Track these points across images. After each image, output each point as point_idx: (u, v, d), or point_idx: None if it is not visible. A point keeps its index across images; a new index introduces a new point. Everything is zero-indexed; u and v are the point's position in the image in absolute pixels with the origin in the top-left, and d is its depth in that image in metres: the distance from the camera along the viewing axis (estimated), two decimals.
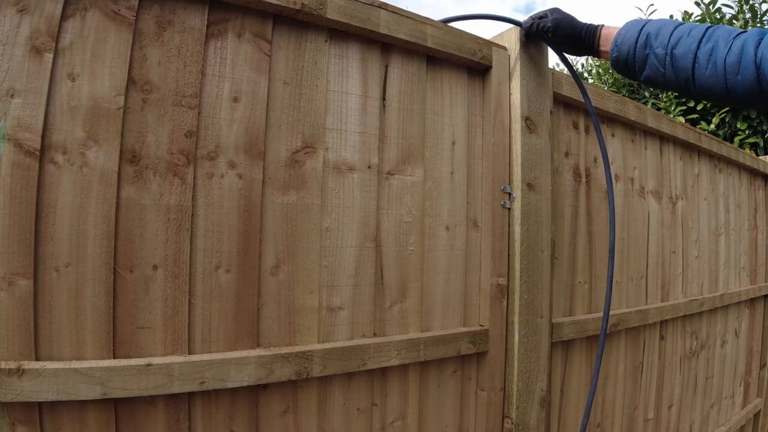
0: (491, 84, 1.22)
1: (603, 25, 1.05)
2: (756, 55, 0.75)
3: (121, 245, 0.80)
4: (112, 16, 0.80)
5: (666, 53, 0.86)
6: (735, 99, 0.80)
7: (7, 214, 0.72)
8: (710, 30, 0.83)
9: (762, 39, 0.76)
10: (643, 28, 0.92)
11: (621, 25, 0.99)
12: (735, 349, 2.36)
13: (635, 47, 0.91)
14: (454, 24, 1.23)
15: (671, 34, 0.87)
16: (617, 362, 1.60)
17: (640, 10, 4.59)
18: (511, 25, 1.25)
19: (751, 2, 3.97)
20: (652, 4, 4.44)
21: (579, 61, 5.56)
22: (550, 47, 1.22)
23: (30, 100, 0.73)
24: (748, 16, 3.95)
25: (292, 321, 0.95)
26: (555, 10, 1.12)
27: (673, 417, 1.90)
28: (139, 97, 0.82)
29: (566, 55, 1.24)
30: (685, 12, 4.35)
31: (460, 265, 1.19)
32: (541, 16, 1.14)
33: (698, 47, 0.82)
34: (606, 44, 1.02)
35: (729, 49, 0.79)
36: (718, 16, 4.10)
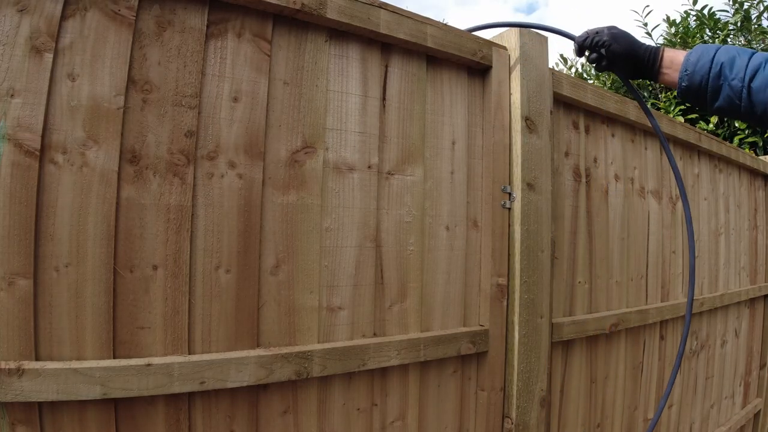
0: (491, 84, 1.22)
1: (664, 47, 1.01)
2: None
3: (121, 245, 0.80)
4: (112, 16, 0.80)
5: (743, 86, 0.85)
6: None
7: (7, 214, 0.72)
8: None
9: None
10: (714, 57, 0.89)
11: (678, 48, 0.95)
12: (735, 349, 2.36)
13: (708, 77, 0.89)
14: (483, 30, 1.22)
15: (747, 65, 0.85)
16: (617, 362, 1.60)
17: (637, 12, 4.58)
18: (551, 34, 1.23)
19: (746, 6, 3.97)
20: (647, 5, 4.41)
21: (579, 61, 5.48)
22: (605, 66, 1.09)
23: (30, 100, 0.73)
24: (742, 14, 3.95)
25: (292, 321, 0.95)
26: (612, 27, 1.05)
27: (673, 417, 1.90)
28: (139, 97, 0.82)
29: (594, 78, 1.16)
30: (686, 12, 4.35)
31: (460, 265, 1.19)
32: (597, 31, 1.07)
33: None
34: (670, 69, 0.97)
35: None
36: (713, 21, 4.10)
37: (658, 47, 1.01)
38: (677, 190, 1.91)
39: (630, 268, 1.65)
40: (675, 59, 0.97)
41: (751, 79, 0.84)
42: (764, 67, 0.84)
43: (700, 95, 0.92)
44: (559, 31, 1.21)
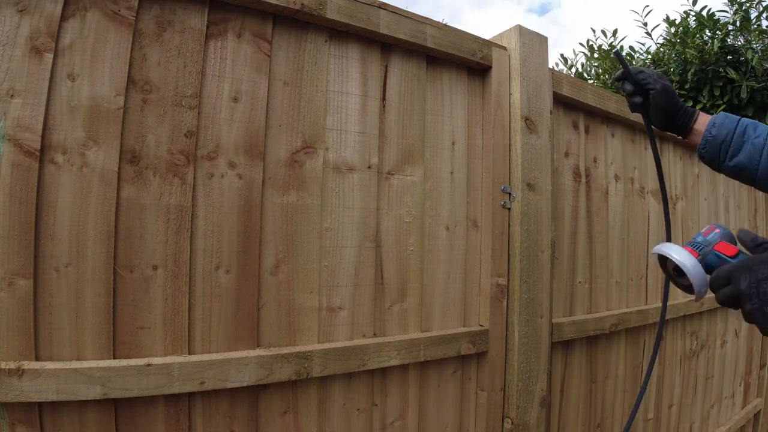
0: (491, 84, 1.22)
1: (698, 111, 1.07)
2: None
3: (121, 245, 0.80)
4: (112, 16, 0.80)
5: (765, 143, 0.93)
6: None
7: (7, 214, 0.72)
8: None
9: None
10: (740, 120, 0.99)
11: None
12: (735, 349, 2.36)
13: (733, 133, 0.97)
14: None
15: None
16: (617, 362, 1.60)
17: (636, 12, 4.58)
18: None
19: (745, 6, 3.97)
20: (647, 5, 4.43)
21: (579, 61, 5.53)
22: (640, 107, 1.07)
23: (30, 100, 0.73)
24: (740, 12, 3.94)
25: (292, 321, 0.95)
26: (662, 76, 1.07)
27: (674, 417, 1.90)
28: (139, 97, 0.82)
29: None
30: (686, 12, 4.35)
31: (460, 265, 1.19)
32: (651, 75, 1.07)
33: None
34: (700, 126, 1.04)
35: None
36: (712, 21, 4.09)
37: (695, 109, 1.06)
38: (677, 189, 1.91)
39: (630, 268, 1.65)
40: (706, 120, 1.04)
41: None
42: None
43: (723, 148, 0.99)
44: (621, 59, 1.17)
